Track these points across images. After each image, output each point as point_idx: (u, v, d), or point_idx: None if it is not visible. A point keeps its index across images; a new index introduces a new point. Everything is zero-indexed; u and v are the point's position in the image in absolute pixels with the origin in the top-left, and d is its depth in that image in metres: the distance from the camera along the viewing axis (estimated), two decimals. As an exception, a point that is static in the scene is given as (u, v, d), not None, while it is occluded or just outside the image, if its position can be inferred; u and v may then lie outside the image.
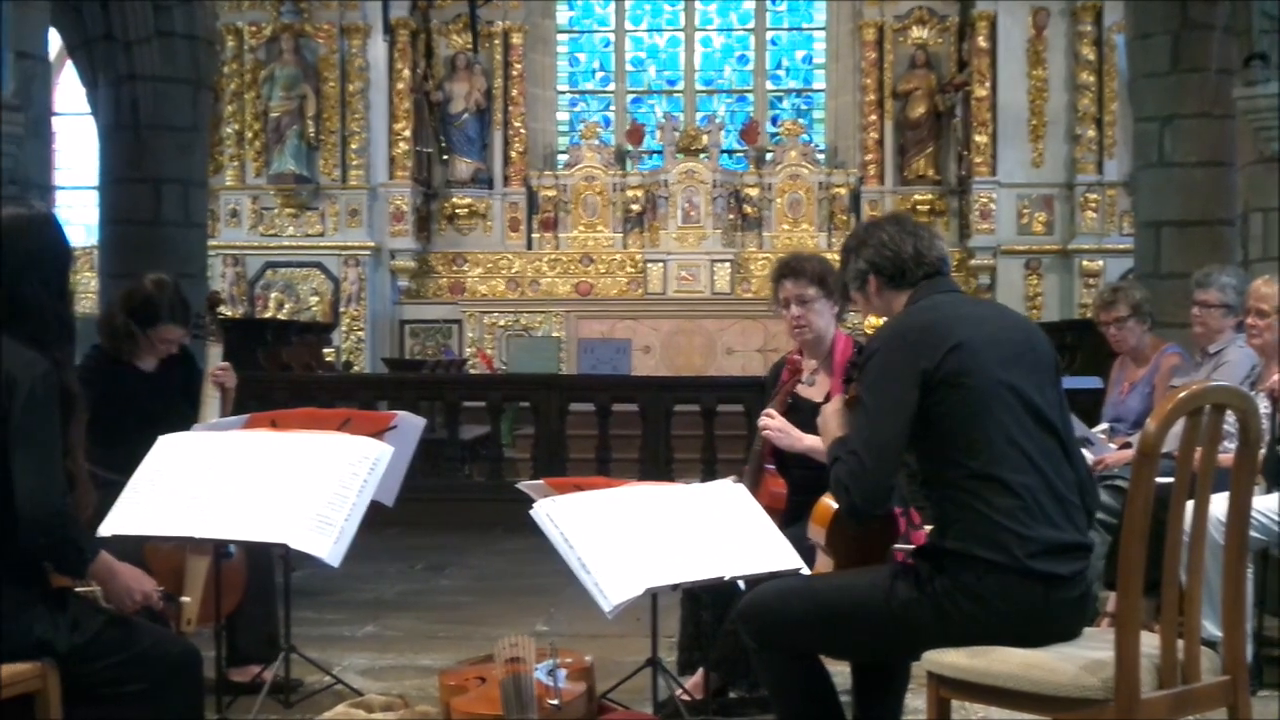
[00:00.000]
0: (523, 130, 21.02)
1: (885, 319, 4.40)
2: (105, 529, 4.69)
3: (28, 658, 3.89)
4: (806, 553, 4.81)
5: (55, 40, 12.13)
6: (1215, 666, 3.87)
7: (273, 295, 20.22)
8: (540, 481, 5.70)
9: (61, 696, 3.95)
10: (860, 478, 4.00)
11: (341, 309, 20.15)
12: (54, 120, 10.72)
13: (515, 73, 20.96)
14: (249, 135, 20.22)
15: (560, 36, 22.13)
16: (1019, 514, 3.89)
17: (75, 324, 4.24)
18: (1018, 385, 4.02)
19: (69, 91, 19.61)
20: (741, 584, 4.90)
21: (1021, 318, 4.49)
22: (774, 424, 5.59)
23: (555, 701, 4.98)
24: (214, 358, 6.46)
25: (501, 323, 20.35)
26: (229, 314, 18.13)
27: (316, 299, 20.27)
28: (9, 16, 9.03)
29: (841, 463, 4.06)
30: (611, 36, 22.17)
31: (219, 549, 5.53)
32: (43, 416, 3.90)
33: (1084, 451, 7.19)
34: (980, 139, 19.84)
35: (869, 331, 4.37)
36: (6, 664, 3.85)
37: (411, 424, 6.13)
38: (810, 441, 5.34)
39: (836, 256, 4.82)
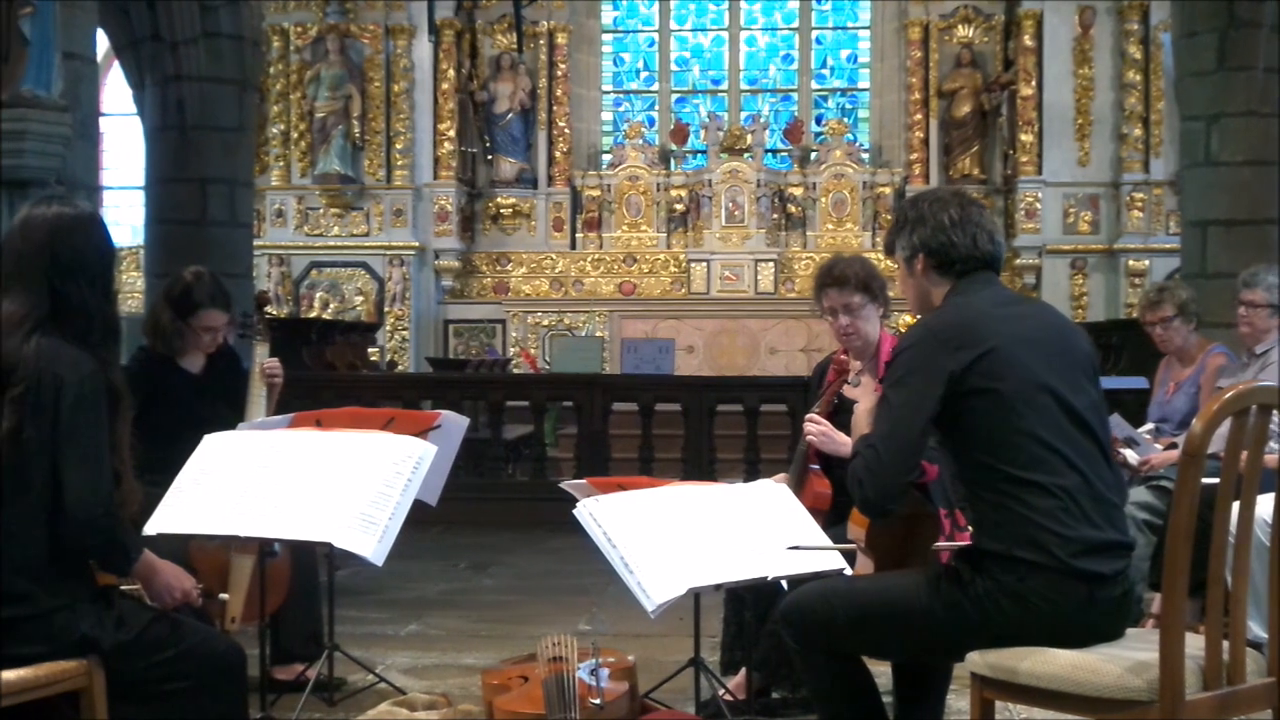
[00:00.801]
0: (567, 130, 21.04)
1: (917, 310, 4.38)
2: (151, 527, 4.72)
3: (73, 655, 3.91)
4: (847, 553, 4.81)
5: (102, 41, 12.19)
6: (1260, 668, 3.85)
7: (318, 295, 20.31)
8: (583, 481, 5.71)
9: (106, 694, 3.97)
10: (875, 473, 4.00)
11: (386, 309, 20.22)
12: (101, 121, 10.77)
13: (560, 72, 20.99)
14: (294, 135, 20.31)
15: (605, 36, 22.14)
16: (1059, 514, 3.86)
17: (120, 323, 4.27)
18: (1054, 387, 3.99)
19: (116, 92, 19.74)
20: (784, 584, 4.90)
21: (1057, 316, 4.40)
22: (817, 429, 5.57)
23: (597, 701, 4.98)
24: (260, 357, 6.47)
25: (545, 322, 20.38)
26: (274, 313, 18.21)
27: (361, 299, 20.34)
28: (57, 17, 9.08)
29: (860, 457, 4.06)
30: (656, 36, 22.18)
31: (264, 547, 5.55)
32: (90, 417, 3.94)
33: (1130, 452, 7.25)
34: (1026, 138, 19.76)
35: (902, 329, 4.27)
36: (52, 661, 3.88)
37: (455, 423, 6.13)
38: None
39: (880, 255, 4.77)
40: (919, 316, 4.36)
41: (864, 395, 5.64)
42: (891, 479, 4.01)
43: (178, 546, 5.16)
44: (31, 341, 3.92)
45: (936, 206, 4.30)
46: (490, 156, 21.00)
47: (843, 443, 5.47)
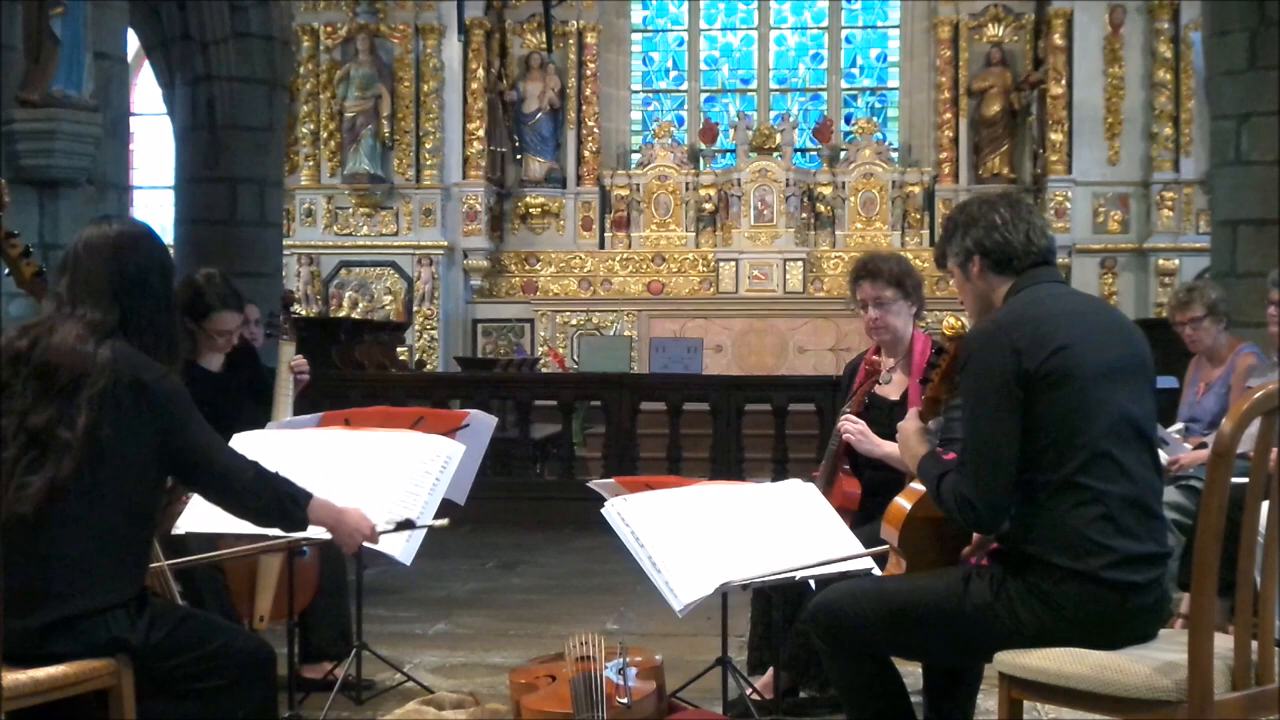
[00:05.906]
0: (596, 129, 21.02)
1: (979, 316, 4.29)
2: (181, 526, 4.74)
3: (102, 654, 3.92)
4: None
5: (133, 41, 12.23)
6: (1290, 669, 3.84)
7: (347, 294, 20.34)
8: (611, 480, 5.72)
9: (136, 693, 3.98)
10: (980, 488, 3.91)
11: (415, 308, 20.23)
12: (131, 120, 10.80)
13: (589, 72, 20.97)
14: (324, 135, 20.33)
15: (634, 36, 22.10)
16: (1101, 523, 3.84)
17: (179, 335, 4.35)
18: (1116, 396, 3.95)
19: (146, 92, 19.81)
20: (812, 584, 4.90)
21: (1118, 316, 4.36)
22: (854, 428, 5.59)
23: (625, 700, 4.99)
24: (287, 356, 6.48)
25: (573, 322, 20.38)
26: (303, 313, 18.27)
27: (390, 298, 20.37)
28: (88, 17, 9.12)
29: (953, 476, 3.98)
30: (685, 35, 22.15)
31: (293, 547, 5.55)
32: (186, 407, 4.06)
33: (1159, 451, 7.22)
34: (1056, 137, 19.68)
35: (946, 332, 4.18)
36: (80, 660, 3.89)
37: (483, 422, 6.13)
38: (889, 448, 5.31)
39: (910, 254, 4.75)
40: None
41: (895, 393, 5.64)
42: (998, 492, 3.92)
43: (207, 546, 5.19)
44: (105, 346, 3.97)
45: (985, 208, 4.25)
46: (519, 156, 21.01)
47: (877, 444, 5.50)
